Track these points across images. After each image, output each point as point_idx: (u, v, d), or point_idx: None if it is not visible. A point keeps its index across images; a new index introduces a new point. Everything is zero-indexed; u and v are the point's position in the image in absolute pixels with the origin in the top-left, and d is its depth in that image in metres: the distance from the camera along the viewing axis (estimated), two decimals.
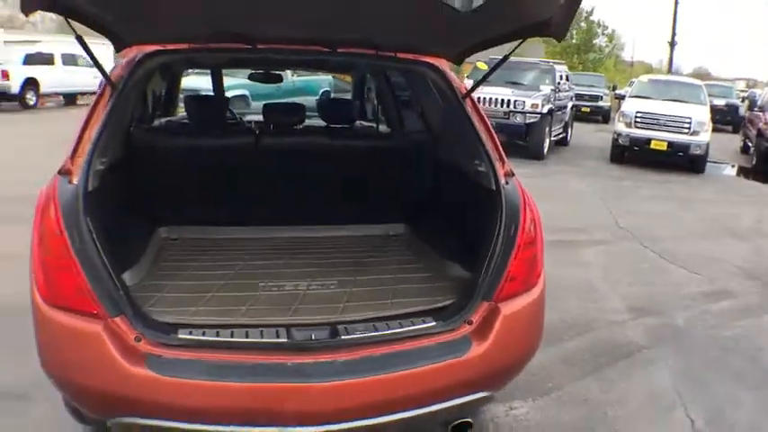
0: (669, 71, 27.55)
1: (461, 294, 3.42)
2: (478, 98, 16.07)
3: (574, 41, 48.27)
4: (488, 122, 3.85)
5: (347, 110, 5.79)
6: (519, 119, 16.07)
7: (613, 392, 4.65)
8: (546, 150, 16.58)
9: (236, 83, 17.64)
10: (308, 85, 21.49)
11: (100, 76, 3.69)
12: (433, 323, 3.23)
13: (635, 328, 5.80)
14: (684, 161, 16.10)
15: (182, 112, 6.28)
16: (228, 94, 18.12)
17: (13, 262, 3.92)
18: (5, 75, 25.53)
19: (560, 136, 18.76)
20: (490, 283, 3.24)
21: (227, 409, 2.80)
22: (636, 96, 17.63)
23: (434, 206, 4.82)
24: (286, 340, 3.05)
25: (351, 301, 3.64)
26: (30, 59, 27.74)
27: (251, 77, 7.19)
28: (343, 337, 3.07)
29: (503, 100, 16.25)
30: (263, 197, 4.89)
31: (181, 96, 6.68)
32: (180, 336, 2.99)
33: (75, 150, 3.22)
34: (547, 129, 16.54)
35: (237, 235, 4.79)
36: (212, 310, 3.45)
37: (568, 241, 8.57)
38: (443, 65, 4.01)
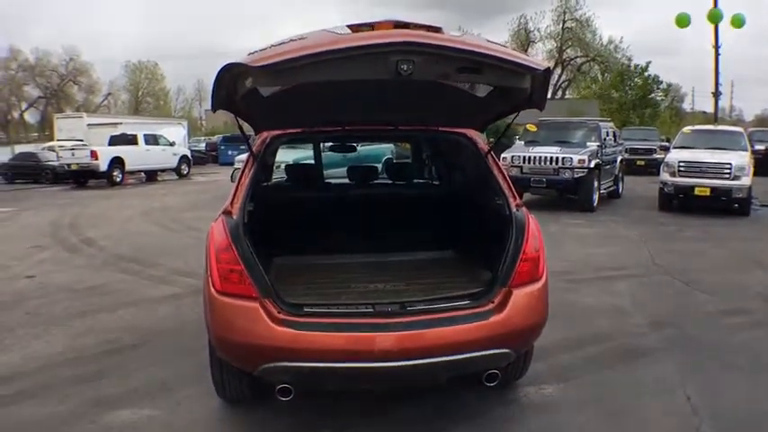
0: (715, 121, 28.35)
1: (488, 285, 4.81)
2: (529, 158, 17.43)
3: (629, 97, 49.09)
4: (504, 171, 5.33)
5: (406, 170, 7.68)
6: (568, 174, 17.32)
7: (624, 379, 5.85)
8: (596, 202, 17.75)
9: (308, 154, 19.41)
10: (371, 153, 23.12)
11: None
12: (468, 301, 4.72)
13: (652, 337, 6.96)
14: (729, 206, 16.97)
15: (276, 176, 8.17)
16: (300, 162, 19.93)
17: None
18: (95, 155, 28.14)
19: (611, 188, 19.91)
20: (505, 275, 4.69)
21: (338, 352, 4.34)
22: (680, 147, 18.65)
23: (471, 235, 6.31)
24: (372, 310, 4.67)
25: (414, 292, 5.22)
26: (114, 140, 30.38)
27: (332, 149, 8.82)
28: (408, 308, 4.64)
29: (552, 158, 17.58)
30: (349, 233, 6.59)
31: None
32: (305, 309, 4.59)
33: (233, 198, 4.91)
34: (595, 182, 17.71)
35: (331, 260, 6.44)
36: (323, 296, 5.26)
37: (606, 277, 9.80)
38: (472, 134, 5.55)
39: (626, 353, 6.48)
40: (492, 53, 4.08)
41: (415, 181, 7.71)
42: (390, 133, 6.55)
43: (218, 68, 4.03)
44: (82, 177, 29.08)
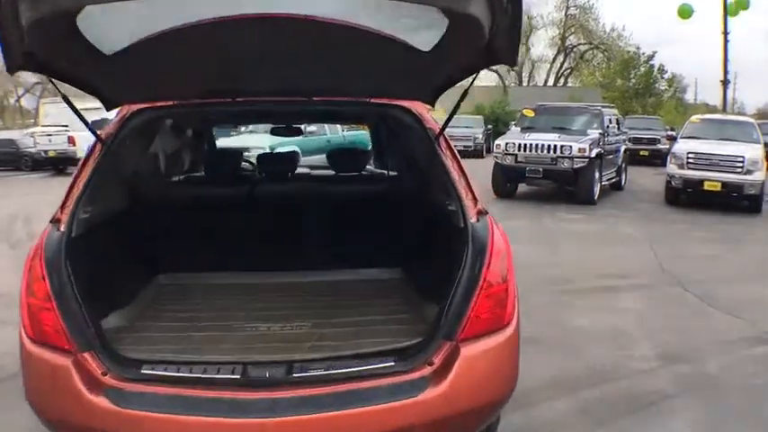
0: (723, 110, 26.92)
1: (427, 335, 3.34)
2: (525, 145, 15.99)
3: (632, 85, 48.00)
4: (461, 162, 3.83)
5: (355, 159, 5.89)
6: (567, 164, 15.89)
7: None
8: (597, 195, 16.33)
9: (287, 140, 18.00)
10: (357, 139, 21.72)
11: None
12: (392, 363, 3.20)
13: (662, 376, 5.51)
14: (740, 202, 15.60)
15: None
16: (280, 150, 18.52)
17: None
18: (72, 141, 26.76)
19: (614, 180, 18.45)
20: (452, 322, 3.18)
21: None
22: (688, 137, 17.21)
23: (425, 249, 4.75)
24: (239, 377, 3.12)
25: (319, 341, 3.70)
26: (95, 126, 28.83)
27: (273, 132, 7.40)
28: (295, 375, 3.13)
29: (549, 146, 16.12)
30: (257, 244, 5.06)
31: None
32: (142, 371, 3.15)
33: (64, 201, 3.52)
34: (597, 173, 16.29)
35: (232, 280, 4.95)
36: (182, 348, 3.63)
37: (607, 287, 8.36)
38: (416, 107, 4.04)
39: (629, 401, 4.99)
40: None
41: (365, 173, 6.03)
42: (306, 108, 4.77)
43: None
44: (60, 164, 27.42)
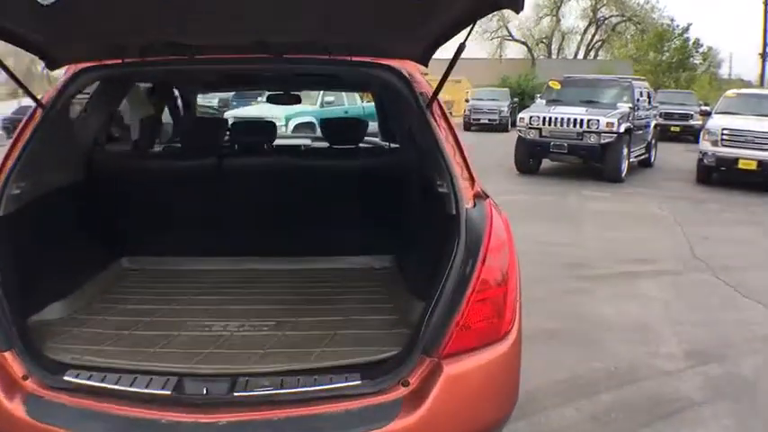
0: (761, 85, 25.83)
1: (406, 347, 2.74)
2: (550, 119, 15.26)
3: (665, 59, 46.86)
4: (457, 134, 3.21)
5: (351, 130, 5.21)
6: (593, 139, 15.12)
7: None
8: (624, 172, 15.55)
9: (304, 110, 17.39)
10: (374, 111, 21.02)
11: None
12: (358, 382, 2.61)
13: (690, 378, 4.88)
14: None
15: None
16: (296, 121, 17.86)
17: None
18: None
19: (642, 157, 17.65)
20: (434, 332, 2.58)
21: None
22: (723, 113, 16.23)
23: (418, 235, 4.07)
24: (169, 393, 2.61)
25: (276, 348, 3.11)
26: None
27: (269, 100, 6.81)
28: (237, 393, 2.57)
29: (576, 120, 15.37)
30: (230, 226, 4.50)
31: None
32: (65, 377, 2.70)
33: None
34: (625, 149, 15.50)
35: (200, 267, 4.40)
36: (118, 351, 3.09)
37: (632, 273, 7.73)
38: (406, 67, 3.40)
39: (651, 409, 4.38)
40: None
41: (363, 146, 5.33)
42: (277, 68, 4.00)
43: None
44: None
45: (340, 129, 5.29)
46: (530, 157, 16.45)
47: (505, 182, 14.95)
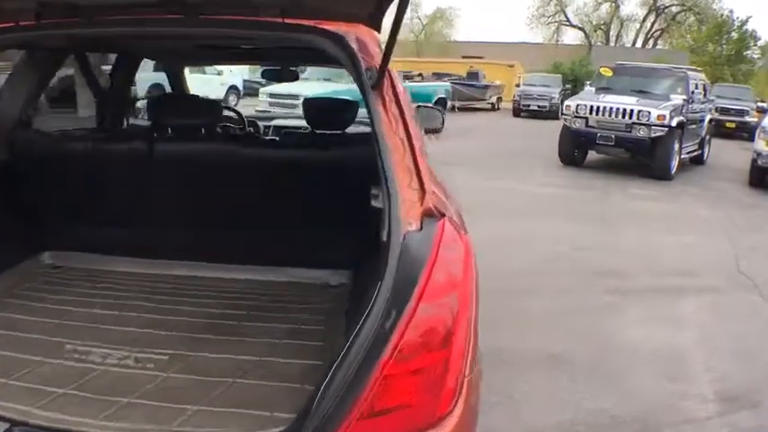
0: None
1: (294, 425, 2.02)
2: (597, 108, 14.39)
3: (723, 52, 45.33)
4: (411, 125, 2.44)
5: (336, 113, 4.45)
6: (643, 132, 14.17)
7: None
8: (674, 169, 14.57)
9: (337, 89, 16.69)
10: (420, 92, 20.38)
11: None
12: None
13: (717, 429, 4.16)
14: None
15: None
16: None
17: None
18: None
19: (694, 153, 16.61)
20: (329, 413, 1.83)
21: None
22: None
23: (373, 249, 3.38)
24: None
25: (144, 398, 2.50)
26: None
27: (264, 75, 6.20)
28: None
29: (625, 110, 14.39)
30: (163, 223, 3.88)
31: None
32: None
33: None
34: (676, 144, 14.53)
35: (130, 268, 3.86)
36: None
37: (669, 288, 6.94)
38: (360, 34, 2.61)
39: None
40: None
41: (349, 132, 4.47)
42: (191, 33, 3.12)
43: None
44: None
45: (322, 111, 4.55)
46: (574, 148, 15.59)
47: (547, 174, 14.27)
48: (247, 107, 15.50)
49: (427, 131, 4.31)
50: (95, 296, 3.55)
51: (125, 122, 5.11)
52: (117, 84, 5.08)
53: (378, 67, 2.43)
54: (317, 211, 3.79)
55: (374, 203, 2.38)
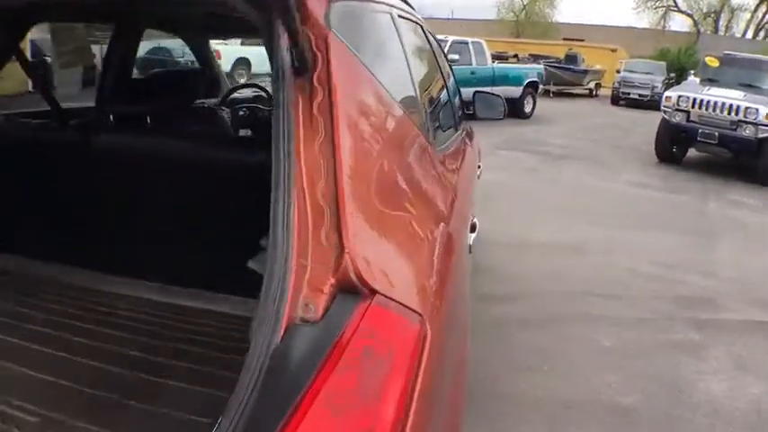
0: None
1: None
2: (700, 101, 13.06)
3: None
4: (345, 137, 1.46)
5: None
6: (749, 131, 12.74)
7: None
8: None
9: None
10: (509, 74, 19.22)
11: None
12: None
13: None
14: None
15: None
16: None
17: None
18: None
19: None
20: None
21: None
22: None
23: None
24: None
25: None
26: None
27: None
28: None
29: (730, 105, 12.95)
30: (101, 229, 3.27)
31: None
32: None
33: None
34: None
35: (67, 279, 3.27)
36: None
37: (764, 324, 5.78)
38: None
39: None
40: None
41: None
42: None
43: None
44: None
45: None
46: (673, 144, 14.24)
47: (639, 171, 13.10)
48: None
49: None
50: (15, 317, 2.89)
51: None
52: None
53: (315, 39, 1.52)
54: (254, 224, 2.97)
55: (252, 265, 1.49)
